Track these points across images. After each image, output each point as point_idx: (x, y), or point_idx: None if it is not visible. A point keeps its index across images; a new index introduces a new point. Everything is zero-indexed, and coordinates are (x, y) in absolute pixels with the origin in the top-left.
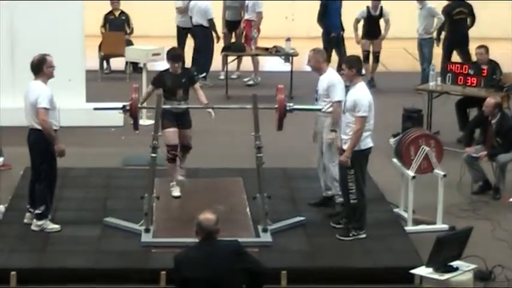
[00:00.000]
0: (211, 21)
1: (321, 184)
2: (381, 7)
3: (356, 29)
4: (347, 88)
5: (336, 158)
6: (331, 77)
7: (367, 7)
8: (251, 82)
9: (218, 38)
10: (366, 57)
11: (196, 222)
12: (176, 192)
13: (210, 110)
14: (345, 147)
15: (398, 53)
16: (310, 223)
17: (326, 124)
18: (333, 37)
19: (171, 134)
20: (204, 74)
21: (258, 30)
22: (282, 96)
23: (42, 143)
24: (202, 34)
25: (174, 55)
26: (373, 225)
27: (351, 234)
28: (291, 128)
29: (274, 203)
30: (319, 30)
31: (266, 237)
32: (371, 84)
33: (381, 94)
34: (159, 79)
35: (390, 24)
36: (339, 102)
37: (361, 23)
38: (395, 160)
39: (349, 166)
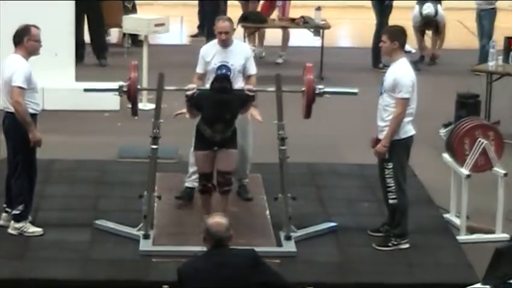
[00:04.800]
0: None
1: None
2: (436, 9)
3: (418, 35)
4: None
5: (249, 137)
6: (245, 49)
7: (419, 10)
8: (280, 60)
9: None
10: (421, 32)
11: (205, 227)
12: None
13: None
14: (381, 136)
15: (453, 27)
16: (342, 230)
17: None
18: (386, 5)
19: (201, 159)
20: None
21: None
22: (311, 77)
23: (18, 128)
24: None
25: (220, 88)
26: (418, 233)
27: (390, 244)
28: (321, 116)
29: (299, 205)
30: None
31: (289, 247)
32: (429, 63)
33: (431, 76)
34: (193, 100)
35: (445, 31)
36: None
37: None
38: (446, 155)
39: (386, 158)
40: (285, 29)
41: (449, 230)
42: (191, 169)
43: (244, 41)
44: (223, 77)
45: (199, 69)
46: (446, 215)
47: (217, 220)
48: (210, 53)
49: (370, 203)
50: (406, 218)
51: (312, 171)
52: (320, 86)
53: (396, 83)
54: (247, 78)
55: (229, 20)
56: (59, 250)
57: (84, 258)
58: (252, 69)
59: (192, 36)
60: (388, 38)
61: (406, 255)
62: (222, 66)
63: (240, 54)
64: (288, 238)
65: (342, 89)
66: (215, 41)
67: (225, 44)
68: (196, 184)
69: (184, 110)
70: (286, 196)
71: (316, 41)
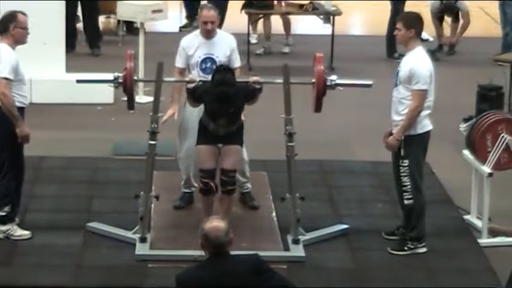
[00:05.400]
0: None
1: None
2: None
3: (436, 22)
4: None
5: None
6: (230, 39)
7: None
8: (287, 50)
9: None
10: (439, 19)
11: (202, 233)
12: None
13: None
14: (395, 131)
15: (474, 13)
16: (354, 233)
17: None
18: None
19: (204, 153)
20: None
21: None
22: (321, 68)
23: (4, 123)
24: None
25: (223, 80)
26: (437, 236)
27: (406, 248)
28: (332, 110)
29: (308, 205)
30: None
31: (298, 251)
32: (448, 52)
33: (450, 66)
34: (196, 93)
35: (469, 21)
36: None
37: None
38: (466, 152)
39: (401, 155)
40: (284, 15)
41: (470, 232)
42: (184, 176)
43: (248, 29)
44: (225, 69)
45: (179, 64)
46: (466, 217)
47: (215, 224)
48: (193, 45)
49: (384, 203)
50: (423, 220)
51: (322, 169)
52: (331, 78)
53: (412, 74)
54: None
55: (215, 8)
56: (48, 255)
57: (76, 263)
58: (237, 62)
59: (183, 27)
60: (403, 26)
61: (423, 259)
62: (207, 59)
63: (225, 45)
64: (296, 242)
65: (354, 81)
66: (197, 32)
67: (210, 34)
68: (194, 188)
69: (171, 112)
70: (294, 196)
71: (326, 29)
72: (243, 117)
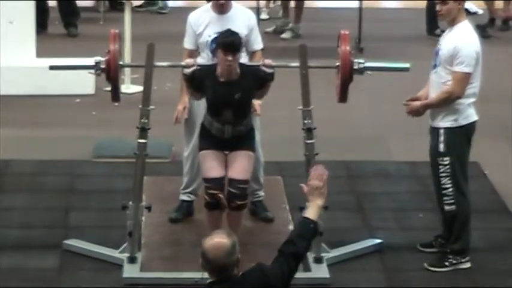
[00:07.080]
0: None
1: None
2: None
3: None
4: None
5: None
6: (248, 16)
7: None
8: (288, 35)
9: None
10: None
11: (201, 251)
12: None
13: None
14: (433, 123)
15: None
16: (390, 249)
17: None
18: None
19: (209, 158)
20: None
21: None
22: (347, 48)
23: None
24: None
25: (228, 42)
26: (489, 251)
27: (447, 263)
28: (361, 99)
29: (333, 216)
30: None
31: (321, 271)
32: (501, 27)
33: (503, 44)
34: (195, 79)
35: None
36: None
37: None
38: None
39: (441, 151)
40: None
41: None
42: (186, 178)
43: (258, 3)
44: (230, 42)
45: (188, 44)
46: None
47: (215, 241)
48: (202, 22)
49: (426, 213)
50: (467, 229)
51: (350, 172)
52: (360, 60)
53: (456, 52)
54: (250, 54)
55: None
56: (17, 280)
57: None
58: (257, 43)
59: (137, 7)
60: None
61: (472, 280)
62: None
63: (241, 22)
64: (319, 260)
65: (388, 64)
66: (208, 6)
67: (222, 9)
68: (194, 196)
69: (181, 107)
70: None
71: (353, 1)
72: (258, 110)
